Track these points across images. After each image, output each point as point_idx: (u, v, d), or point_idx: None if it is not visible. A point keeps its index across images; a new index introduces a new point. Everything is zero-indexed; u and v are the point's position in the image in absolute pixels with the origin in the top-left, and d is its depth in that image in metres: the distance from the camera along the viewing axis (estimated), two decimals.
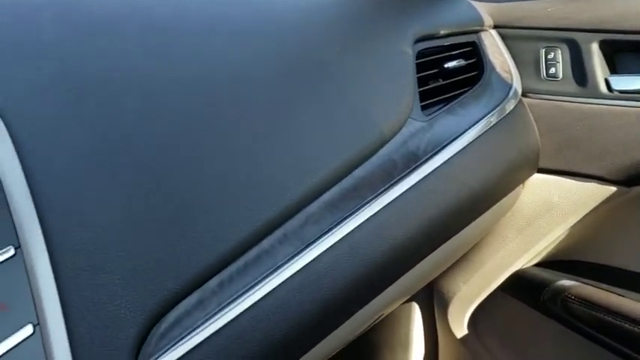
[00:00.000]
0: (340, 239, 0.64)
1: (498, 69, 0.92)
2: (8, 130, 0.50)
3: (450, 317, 1.06)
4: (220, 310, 0.55)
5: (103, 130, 0.55)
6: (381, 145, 0.72)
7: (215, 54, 0.64)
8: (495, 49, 0.94)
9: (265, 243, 0.61)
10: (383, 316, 0.92)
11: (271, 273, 0.60)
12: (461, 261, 1.04)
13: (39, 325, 0.45)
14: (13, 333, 0.44)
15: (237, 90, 0.63)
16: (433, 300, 1.10)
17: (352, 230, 0.66)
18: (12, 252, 0.45)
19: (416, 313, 1.09)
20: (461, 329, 1.04)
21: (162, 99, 0.59)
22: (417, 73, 0.81)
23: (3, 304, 0.44)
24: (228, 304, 0.56)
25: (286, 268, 0.61)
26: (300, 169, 0.64)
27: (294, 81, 0.68)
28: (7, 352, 0.43)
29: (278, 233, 0.62)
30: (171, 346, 0.52)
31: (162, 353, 0.51)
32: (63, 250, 0.49)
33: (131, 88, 0.58)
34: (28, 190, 0.49)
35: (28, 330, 0.44)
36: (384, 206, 0.69)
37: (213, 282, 0.56)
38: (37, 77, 0.54)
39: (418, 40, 0.84)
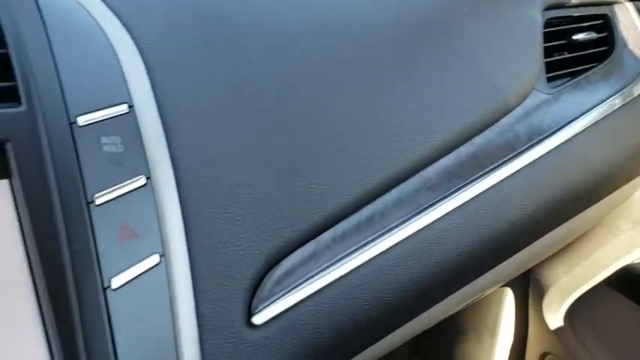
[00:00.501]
0: (455, 208, 0.61)
1: (631, 46, 0.85)
2: (143, 61, 0.49)
3: (544, 306, 1.01)
4: (333, 264, 0.54)
5: (231, 70, 0.54)
6: (504, 114, 0.68)
7: (345, 4, 0.62)
8: (630, 24, 0.86)
9: (379, 203, 0.58)
10: (480, 298, 0.88)
11: (383, 234, 0.57)
12: (565, 249, 0.98)
13: (164, 256, 0.45)
14: (140, 261, 0.44)
15: (363, 43, 0.61)
16: (528, 287, 1.04)
17: (468, 200, 0.62)
18: (143, 181, 0.45)
19: (508, 298, 1.04)
20: (555, 320, 0.99)
21: (289, 45, 0.57)
22: (544, 43, 0.75)
23: (133, 232, 0.44)
24: (341, 259, 0.54)
25: (398, 231, 0.58)
26: (419, 129, 0.61)
27: (418, 38, 0.65)
28: (134, 278, 0.43)
29: (392, 195, 0.59)
30: (285, 293, 0.51)
31: (276, 299, 0.50)
32: (189, 186, 0.48)
33: (260, 31, 0.56)
34: (160, 123, 0.48)
35: (154, 259, 0.44)
36: (504, 179, 0.65)
37: (326, 236, 0.55)
38: (173, 12, 0.53)
39: (547, 8, 0.78)
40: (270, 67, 0.56)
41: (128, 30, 0.51)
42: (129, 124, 0.46)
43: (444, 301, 0.64)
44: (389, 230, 0.58)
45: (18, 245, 0.41)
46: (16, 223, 0.41)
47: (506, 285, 1.08)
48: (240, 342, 0.48)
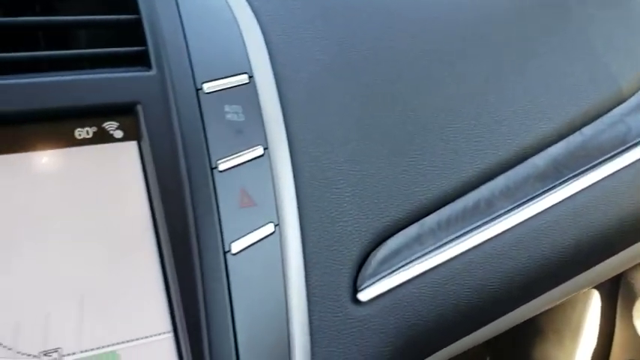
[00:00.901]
0: (564, 199, 0.58)
1: None
2: (262, 33, 0.50)
3: (635, 312, 0.95)
4: (438, 248, 0.53)
5: (344, 46, 0.53)
6: (616, 104, 0.64)
7: None
8: None
9: (485, 190, 0.57)
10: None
11: (489, 222, 0.56)
12: None
13: (278, 225, 0.45)
14: (258, 228, 0.44)
15: (478, 24, 0.59)
16: (617, 290, 0.99)
17: (577, 192, 0.59)
18: (261, 151, 0.46)
19: (594, 300, 0.99)
20: None
21: (404, 23, 0.56)
22: None
23: (252, 200, 0.44)
24: (446, 243, 0.53)
25: (505, 220, 0.56)
26: (530, 114, 0.58)
27: (535, 22, 0.62)
28: (252, 245, 0.44)
29: (499, 182, 0.57)
30: (390, 273, 0.50)
31: (381, 278, 0.50)
32: (302, 159, 0.48)
33: (375, 8, 0.56)
34: (277, 95, 0.48)
35: (270, 228, 0.45)
36: (614, 172, 0.61)
37: (431, 219, 0.54)
38: None
39: None
40: (384, 44, 0.55)
41: (249, 2, 0.51)
42: (249, 94, 0.47)
43: (545, 295, 0.62)
44: (495, 218, 0.56)
45: (144, 206, 0.42)
46: (143, 185, 0.43)
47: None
48: (345, 317, 0.48)
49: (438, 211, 0.55)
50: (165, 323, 0.41)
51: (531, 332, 1.11)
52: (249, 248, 0.44)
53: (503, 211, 0.57)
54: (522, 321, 0.65)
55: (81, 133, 0.42)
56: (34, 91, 0.40)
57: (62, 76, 0.42)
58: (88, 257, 0.40)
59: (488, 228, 0.56)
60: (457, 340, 0.57)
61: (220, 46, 0.47)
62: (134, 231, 0.42)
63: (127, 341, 0.40)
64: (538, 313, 0.69)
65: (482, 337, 0.62)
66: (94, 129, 0.42)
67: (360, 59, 0.54)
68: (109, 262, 0.41)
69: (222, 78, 0.46)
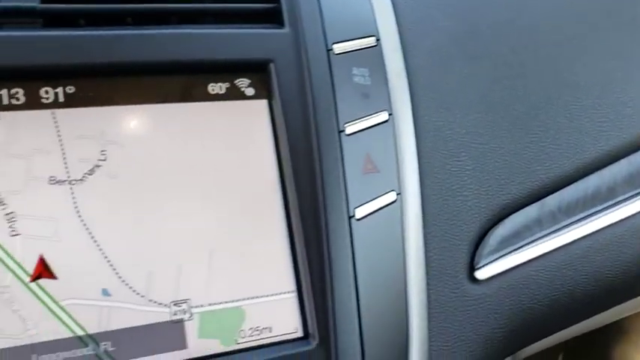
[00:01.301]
0: None
1: None
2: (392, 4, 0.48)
3: None
4: (557, 231, 0.50)
5: (471, 16, 0.51)
6: None
7: None
8: None
9: (607, 174, 0.53)
10: None
11: (610, 207, 0.52)
12: None
13: (400, 194, 0.44)
14: (380, 195, 0.43)
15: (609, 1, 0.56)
16: None
17: None
18: (386, 117, 0.44)
19: None
20: None
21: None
22: None
23: (375, 166, 0.43)
24: (565, 227, 0.50)
25: (625, 206, 0.53)
26: None
27: None
28: (375, 211, 0.43)
29: (622, 167, 0.54)
30: (508, 253, 0.48)
31: (499, 257, 0.48)
32: (425, 128, 0.47)
33: None
34: (402, 60, 0.47)
35: (392, 196, 0.43)
36: None
37: (552, 200, 0.51)
38: None
39: None
40: (511, 16, 0.52)
41: None
42: (376, 57, 0.45)
43: None
44: (616, 204, 0.53)
45: (272, 165, 0.42)
46: (272, 143, 0.42)
47: None
48: (462, 294, 0.46)
49: (558, 193, 0.52)
50: (290, 283, 0.41)
51: (611, 331, 1.06)
52: (371, 215, 0.42)
53: (624, 197, 0.54)
54: (632, 313, 0.62)
55: (214, 88, 0.42)
56: (171, 43, 0.40)
57: (195, 29, 0.41)
58: (217, 212, 0.40)
59: (608, 214, 0.53)
60: (567, 327, 0.54)
61: (350, 8, 0.46)
62: (262, 189, 0.41)
63: (252, 297, 0.40)
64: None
65: (587, 328, 0.59)
66: (227, 85, 0.42)
67: (485, 30, 0.51)
68: (237, 218, 0.40)
69: (352, 40, 0.45)
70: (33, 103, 0.38)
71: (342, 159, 0.42)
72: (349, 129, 0.42)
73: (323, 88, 0.42)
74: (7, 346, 0.35)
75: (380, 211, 0.43)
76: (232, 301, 0.40)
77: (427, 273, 0.45)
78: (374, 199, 0.42)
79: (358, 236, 0.41)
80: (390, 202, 0.43)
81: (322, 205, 0.41)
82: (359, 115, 0.43)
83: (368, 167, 0.43)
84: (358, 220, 0.41)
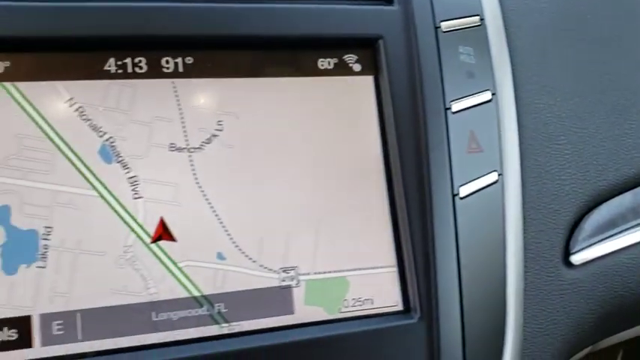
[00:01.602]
0: None
1: None
2: None
3: None
4: None
5: (568, 5, 0.50)
6: None
7: None
8: None
9: None
10: None
11: None
12: None
13: (502, 175, 0.43)
14: (483, 175, 0.43)
15: None
16: None
17: None
18: (489, 96, 0.44)
19: None
20: None
21: None
22: None
23: (479, 146, 0.43)
24: None
25: None
26: None
27: None
28: (477, 191, 0.43)
29: None
30: (603, 239, 0.48)
31: (594, 243, 0.47)
32: (526, 109, 0.46)
33: None
34: (505, 40, 0.46)
35: (493, 176, 0.43)
36: None
37: None
38: None
39: None
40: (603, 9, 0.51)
41: None
42: (480, 36, 0.45)
43: None
44: None
45: (377, 141, 0.42)
46: (377, 119, 0.42)
47: None
48: (557, 278, 0.46)
49: None
50: (391, 257, 0.42)
51: None
52: (474, 194, 0.43)
53: None
54: None
55: (323, 63, 0.42)
56: (284, 18, 0.41)
57: (307, 4, 0.42)
58: (323, 184, 0.41)
59: None
60: None
61: None
62: (366, 164, 0.42)
63: (356, 269, 0.41)
64: None
65: None
66: (335, 60, 0.42)
67: (586, 12, 0.50)
68: (342, 191, 0.41)
69: (458, 18, 0.44)
70: (154, 72, 0.40)
71: (448, 137, 0.42)
72: (455, 107, 0.42)
73: (430, 66, 0.42)
74: (129, 302, 0.37)
75: (482, 191, 0.43)
76: (337, 271, 0.41)
77: (525, 256, 0.45)
78: (477, 178, 0.43)
79: (461, 215, 0.42)
80: (492, 182, 0.43)
81: (427, 182, 0.41)
82: (464, 93, 0.43)
83: (472, 146, 0.43)
84: (462, 198, 0.42)
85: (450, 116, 0.42)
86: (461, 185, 0.42)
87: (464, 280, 0.41)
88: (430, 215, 0.41)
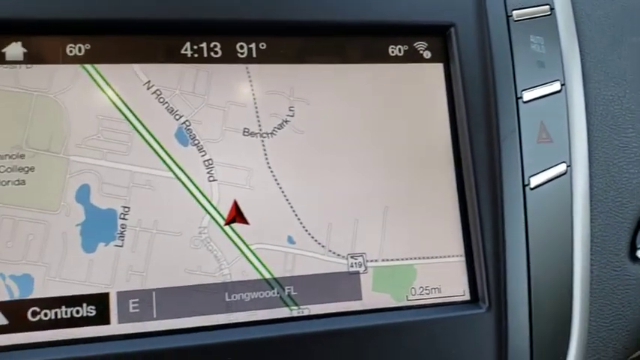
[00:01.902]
0: None
1: None
2: None
3: None
4: None
5: None
6: None
7: None
8: None
9: None
10: None
11: None
12: None
13: (570, 167, 0.43)
14: (553, 166, 0.43)
15: None
16: None
17: None
18: (558, 87, 0.43)
19: None
20: None
21: None
22: None
23: (549, 136, 0.42)
24: None
25: None
26: None
27: None
28: (546, 182, 0.42)
29: None
30: None
31: None
32: (595, 100, 0.46)
33: None
34: (575, 31, 0.45)
35: (562, 168, 0.43)
36: None
37: None
38: None
39: None
40: None
41: None
42: (550, 26, 0.45)
43: None
44: None
45: (446, 128, 0.42)
46: (446, 107, 0.42)
47: None
48: (623, 272, 0.45)
49: None
50: (459, 246, 0.41)
51: None
52: (544, 185, 0.42)
53: None
54: None
55: (394, 50, 0.42)
56: (356, 5, 0.41)
57: None
58: (391, 171, 0.41)
59: None
60: None
61: None
62: (435, 152, 0.42)
63: (423, 258, 0.41)
64: None
65: None
66: (406, 47, 0.42)
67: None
68: (410, 179, 0.41)
69: (529, 7, 0.44)
70: (229, 57, 0.40)
71: (519, 126, 0.41)
72: (526, 96, 0.42)
73: (502, 54, 0.42)
74: (204, 282, 0.38)
75: (551, 182, 0.43)
76: (405, 259, 0.41)
77: (590, 248, 0.44)
78: (547, 169, 0.42)
79: (531, 205, 0.41)
80: (561, 173, 0.43)
81: (498, 172, 0.41)
82: (535, 83, 0.43)
83: (542, 136, 0.42)
84: (532, 189, 0.41)
85: (522, 106, 0.42)
86: (531, 175, 0.41)
87: (532, 271, 0.41)
88: (501, 205, 0.40)
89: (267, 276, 0.39)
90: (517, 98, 0.42)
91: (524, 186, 0.41)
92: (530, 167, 0.42)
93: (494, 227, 0.40)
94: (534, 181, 0.42)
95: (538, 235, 0.41)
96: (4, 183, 0.36)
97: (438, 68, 0.43)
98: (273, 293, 0.39)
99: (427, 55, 0.43)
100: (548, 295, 0.41)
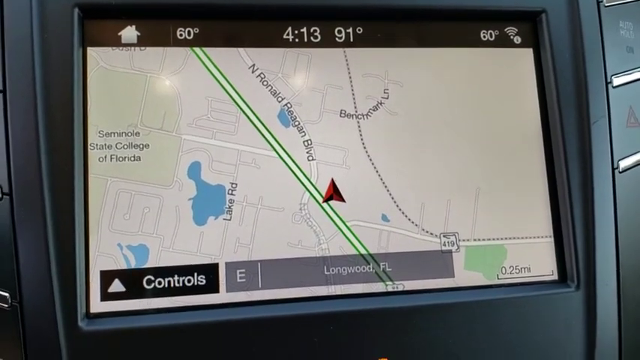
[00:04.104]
0: None
1: None
2: None
3: None
4: None
5: None
6: None
7: None
8: None
9: None
10: None
11: None
12: None
13: None
14: None
15: None
16: None
17: None
18: None
19: None
20: None
21: None
22: None
23: (637, 120, 0.43)
24: None
25: None
26: None
27: None
28: (634, 166, 0.43)
29: None
30: None
31: None
32: None
33: None
34: None
35: None
36: None
37: None
38: None
39: None
40: None
41: None
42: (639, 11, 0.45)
43: None
44: None
45: (536, 112, 0.43)
46: (536, 91, 0.43)
47: None
48: None
49: None
50: (548, 227, 0.42)
51: None
52: (633, 169, 0.43)
53: None
54: None
55: (485, 35, 0.43)
56: None
57: None
58: (482, 153, 0.42)
59: None
60: None
61: None
62: (525, 135, 0.43)
63: (514, 238, 0.42)
64: None
65: None
66: (497, 32, 0.43)
67: None
68: (501, 161, 0.42)
69: None
70: (328, 41, 0.42)
71: (609, 110, 0.42)
72: (616, 81, 0.43)
73: (592, 40, 0.43)
74: (305, 255, 0.40)
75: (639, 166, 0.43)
76: (496, 239, 0.42)
77: None
78: (636, 152, 0.43)
79: (620, 188, 0.42)
80: None
81: (588, 155, 0.41)
82: (624, 68, 0.43)
83: (631, 121, 0.43)
84: (621, 172, 0.42)
85: (611, 90, 0.42)
86: (620, 159, 0.42)
87: (621, 252, 0.41)
88: (590, 187, 0.41)
89: (363, 252, 0.41)
90: (607, 83, 0.42)
91: (613, 169, 0.42)
92: (620, 151, 0.42)
93: (583, 209, 0.41)
94: (623, 165, 0.42)
95: (627, 218, 0.42)
96: (121, 159, 0.39)
97: (528, 53, 0.44)
98: (369, 268, 0.40)
99: (517, 40, 0.44)
100: (637, 276, 0.42)
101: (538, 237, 0.42)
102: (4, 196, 0.36)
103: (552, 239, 0.42)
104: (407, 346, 0.38)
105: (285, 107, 0.41)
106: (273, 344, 0.37)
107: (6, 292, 0.36)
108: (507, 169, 0.43)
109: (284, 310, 0.38)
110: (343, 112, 0.41)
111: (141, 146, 0.39)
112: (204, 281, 0.39)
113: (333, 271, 0.40)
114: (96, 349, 0.36)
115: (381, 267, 0.41)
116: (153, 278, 0.38)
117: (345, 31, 0.42)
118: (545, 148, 0.43)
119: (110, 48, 0.39)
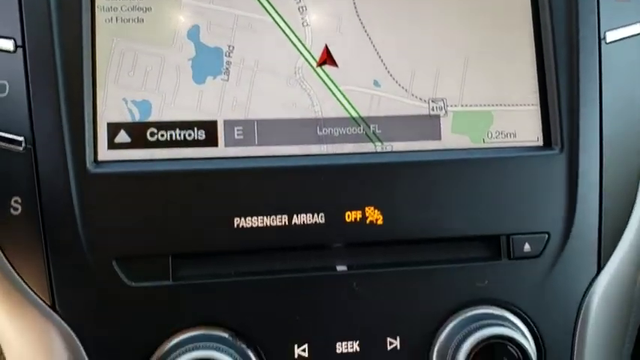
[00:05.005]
0: None
1: None
2: None
3: None
4: None
5: None
6: None
7: None
8: None
9: None
10: None
11: None
12: None
13: None
14: (630, 24, 0.45)
15: None
16: None
17: None
18: None
19: None
20: None
21: None
22: None
23: None
24: None
25: None
26: None
27: None
28: (622, 39, 0.44)
29: None
30: None
31: None
32: None
33: None
34: None
35: (638, 27, 0.44)
36: None
37: None
38: None
39: None
40: None
41: None
42: None
43: None
44: None
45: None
46: None
47: None
48: None
49: None
50: (534, 96, 0.44)
51: None
52: (620, 41, 0.44)
53: None
54: None
55: None
56: None
57: None
58: (472, 24, 0.44)
59: None
60: None
61: None
62: (514, 4, 0.44)
63: (500, 105, 0.44)
64: None
65: None
66: None
67: None
68: (490, 31, 0.44)
69: None
70: None
71: None
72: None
73: None
74: (299, 117, 0.42)
75: (628, 40, 0.44)
76: (482, 105, 0.44)
77: None
78: (624, 26, 0.44)
79: (606, 59, 0.43)
80: (637, 32, 0.44)
81: (574, 25, 0.43)
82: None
83: None
84: (607, 43, 0.43)
85: None
86: (607, 30, 0.43)
87: (605, 120, 0.43)
88: (576, 57, 0.43)
89: (354, 114, 0.43)
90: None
91: (599, 39, 0.43)
92: (608, 23, 0.43)
93: (569, 77, 0.43)
94: (610, 36, 0.43)
95: (612, 88, 0.43)
96: (125, 20, 0.41)
97: None
98: (360, 130, 0.43)
99: None
100: (619, 143, 0.44)
101: (524, 105, 0.44)
102: (18, 48, 0.39)
103: (538, 107, 0.44)
104: (394, 197, 0.40)
105: None
106: (267, 194, 0.40)
107: (20, 136, 0.39)
108: (496, 39, 0.44)
109: (278, 162, 0.41)
110: None
111: (144, 9, 0.41)
112: (204, 136, 0.41)
113: (325, 131, 0.42)
114: (103, 191, 0.39)
115: (371, 129, 0.43)
116: (156, 131, 0.41)
117: None
118: (533, 17, 0.44)
119: None
